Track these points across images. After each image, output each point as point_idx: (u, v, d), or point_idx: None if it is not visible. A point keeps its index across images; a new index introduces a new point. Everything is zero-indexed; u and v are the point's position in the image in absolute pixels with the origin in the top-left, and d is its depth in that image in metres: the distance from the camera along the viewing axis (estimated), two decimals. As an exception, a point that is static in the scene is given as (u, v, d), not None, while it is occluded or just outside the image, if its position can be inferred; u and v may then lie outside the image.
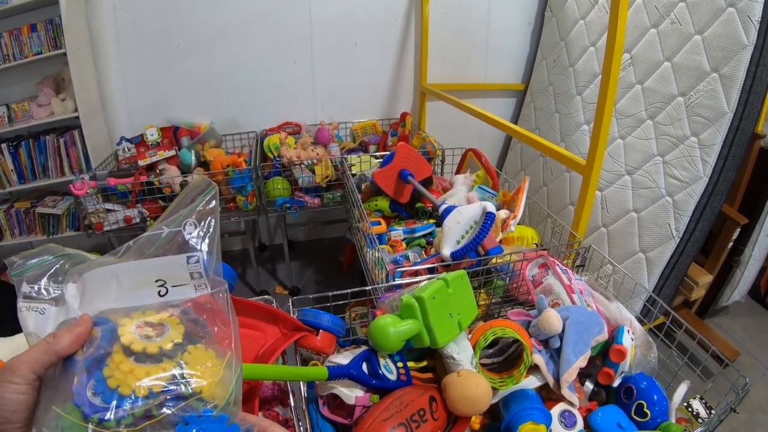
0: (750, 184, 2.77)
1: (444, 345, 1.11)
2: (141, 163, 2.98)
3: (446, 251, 1.49)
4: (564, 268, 1.43)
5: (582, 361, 1.16)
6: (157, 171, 2.93)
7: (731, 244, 2.80)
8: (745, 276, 2.98)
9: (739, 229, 2.74)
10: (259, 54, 3.30)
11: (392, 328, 1.05)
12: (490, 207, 1.47)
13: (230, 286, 1.02)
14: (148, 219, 2.81)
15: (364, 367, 1.08)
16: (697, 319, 2.98)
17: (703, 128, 2.32)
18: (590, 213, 1.84)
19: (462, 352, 1.13)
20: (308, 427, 1.06)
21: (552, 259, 1.42)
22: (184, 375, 0.61)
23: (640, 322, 1.35)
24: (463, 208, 1.56)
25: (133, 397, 0.56)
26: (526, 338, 1.14)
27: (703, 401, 1.29)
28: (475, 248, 1.45)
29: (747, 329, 3.13)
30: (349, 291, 1.34)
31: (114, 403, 0.55)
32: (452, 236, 1.52)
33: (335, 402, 1.08)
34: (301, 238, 4.05)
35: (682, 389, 1.24)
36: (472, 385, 1.04)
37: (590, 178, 1.76)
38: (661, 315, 1.41)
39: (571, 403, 1.17)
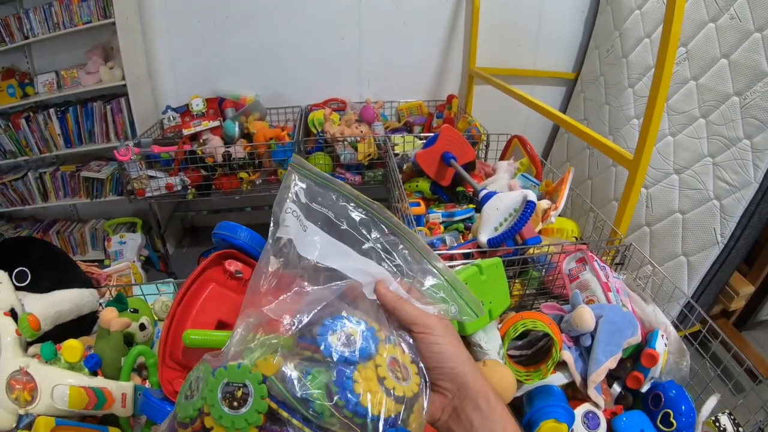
0: (802, 194, 2.67)
1: (473, 333, 1.10)
2: (185, 132, 3.02)
3: (483, 237, 1.47)
4: (602, 264, 1.40)
5: (612, 363, 1.14)
6: (201, 141, 2.97)
7: (777, 255, 2.71)
8: (789, 291, 2.88)
9: (787, 240, 2.66)
10: (306, 29, 3.30)
11: None
12: (531, 195, 1.44)
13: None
14: (190, 187, 2.84)
15: None
16: (734, 331, 2.89)
17: (757, 131, 2.24)
18: (634, 210, 1.79)
19: (490, 341, 1.12)
20: None
21: (591, 254, 1.39)
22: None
23: (676, 327, 1.32)
24: (504, 194, 1.54)
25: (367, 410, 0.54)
26: (556, 333, 1.12)
27: (732, 417, 1.26)
28: (512, 236, 1.43)
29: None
30: None
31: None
32: (490, 222, 1.50)
33: None
34: (338, 215, 4.04)
35: (711, 402, 1.20)
36: (497, 377, 1.03)
37: (636, 174, 1.71)
38: (698, 322, 1.37)
39: (596, 405, 1.16)
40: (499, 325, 1.18)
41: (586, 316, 1.15)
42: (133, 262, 2.93)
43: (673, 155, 2.59)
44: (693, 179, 2.47)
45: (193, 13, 3.16)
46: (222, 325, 0.93)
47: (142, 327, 1.11)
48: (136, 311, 1.13)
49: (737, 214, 2.29)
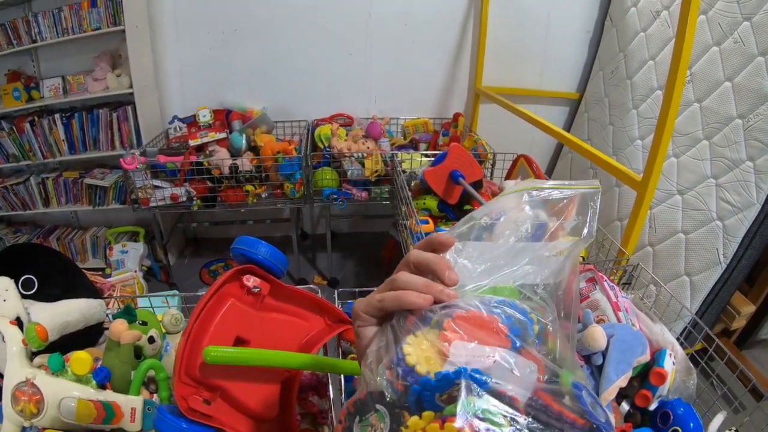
0: (803, 216, 2.69)
1: None
2: (192, 142, 3.05)
3: (493, 256, 1.49)
4: (611, 284, 1.42)
5: (623, 381, 1.15)
6: (207, 152, 2.99)
7: (778, 275, 2.73)
8: (789, 311, 2.91)
9: (787, 261, 2.68)
10: (315, 44, 3.34)
11: None
12: (542, 215, 1.46)
13: (280, 273, 1.03)
14: (195, 198, 2.86)
15: None
16: (734, 350, 2.92)
17: (760, 153, 2.27)
18: (641, 231, 1.82)
19: None
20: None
21: (600, 274, 1.42)
22: None
23: (681, 345, 1.34)
24: (513, 214, 1.56)
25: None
26: (569, 351, 1.14)
27: (737, 434, 1.27)
28: (523, 257, 1.45)
29: (784, 367, 3.06)
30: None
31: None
32: (500, 241, 1.52)
33: None
34: (344, 230, 4.09)
35: (718, 420, 1.22)
36: None
37: (645, 195, 1.74)
38: (702, 341, 1.39)
39: (608, 423, 1.17)
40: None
41: (598, 336, 1.17)
42: (135, 272, 2.93)
43: (677, 176, 2.62)
44: (696, 200, 2.50)
45: (202, 24, 3.19)
46: (239, 342, 0.92)
47: (152, 340, 1.09)
48: (145, 324, 1.10)
49: (740, 234, 2.32)
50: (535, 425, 0.42)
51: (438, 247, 0.58)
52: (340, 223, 4.02)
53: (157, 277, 3.42)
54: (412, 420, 0.45)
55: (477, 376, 0.44)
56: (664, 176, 2.65)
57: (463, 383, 0.43)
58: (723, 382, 1.31)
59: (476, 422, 0.41)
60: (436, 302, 0.51)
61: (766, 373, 2.85)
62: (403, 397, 0.47)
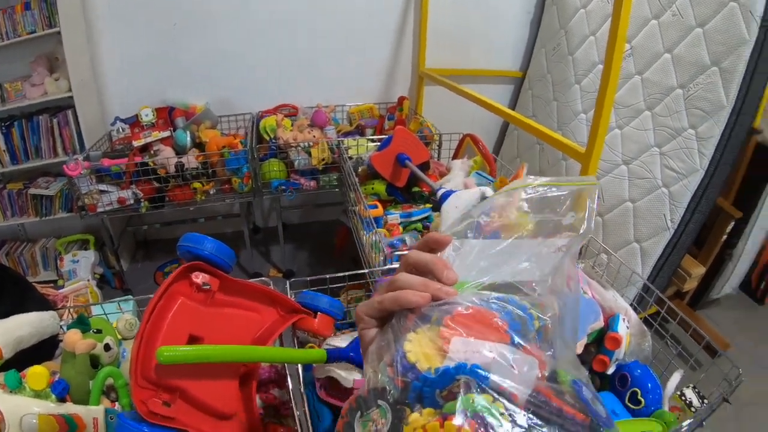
0: (745, 179, 2.78)
1: None
2: (135, 143, 2.96)
3: (445, 235, 1.48)
4: (561, 255, 1.42)
5: (578, 348, 1.16)
6: (152, 152, 2.91)
7: (725, 237, 2.81)
8: (737, 269, 3.00)
9: (733, 223, 2.76)
10: (256, 35, 3.27)
11: None
12: (489, 192, 1.46)
13: (228, 267, 1.00)
14: (143, 200, 2.79)
15: None
16: (688, 310, 3.00)
17: (701, 121, 2.32)
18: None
19: None
20: (305, 411, 1.05)
21: (549, 246, 1.42)
22: None
23: (634, 310, 1.35)
24: (462, 192, 1.56)
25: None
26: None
27: (696, 390, 1.29)
28: (473, 232, 1.44)
29: (738, 322, 3.15)
30: (346, 274, 1.33)
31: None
32: (451, 220, 1.51)
33: (332, 385, 1.07)
34: (295, 221, 4.05)
35: (675, 378, 1.24)
36: None
37: (589, 167, 1.75)
38: (655, 304, 1.41)
39: (565, 390, 1.17)
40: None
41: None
42: (88, 280, 2.85)
43: (621, 147, 2.66)
44: (641, 169, 2.54)
45: (139, 21, 3.09)
46: (193, 340, 0.89)
47: (107, 347, 1.06)
48: (99, 332, 1.08)
49: (685, 200, 2.36)
50: (534, 421, 0.42)
51: (435, 246, 0.58)
52: (291, 214, 3.98)
53: (111, 284, 3.33)
54: (413, 417, 0.44)
55: (477, 371, 0.44)
56: (609, 148, 2.69)
57: (463, 380, 0.43)
58: (678, 342, 1.33)
59: (476, 420, 0.41)
60: (434, 300, 0.51)
61: (720, 330, 2.93)
62: (404, 394, 0.47)
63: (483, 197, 1.47)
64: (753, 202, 2.79)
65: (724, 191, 2.67)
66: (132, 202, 2.78)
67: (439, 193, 1.62)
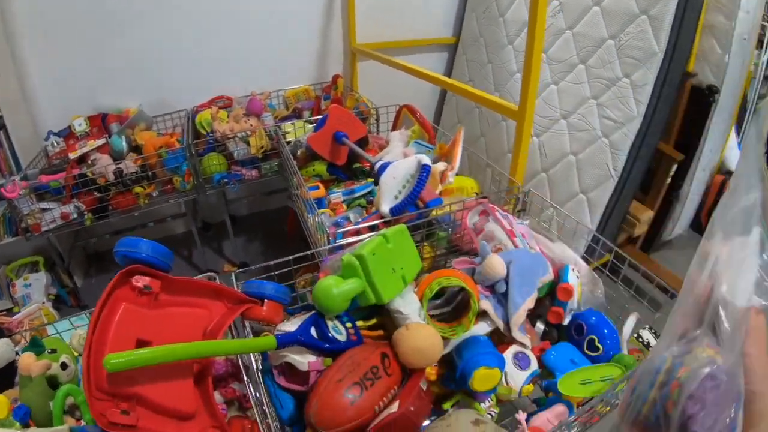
0: (684, 122, 2.82)
1: (390, 300, 1.11)
2: (71, 155, 2.86)
3: (385, 207, 1.46)
4: (504, 213, 1.42)
5: (530, 303, 1.16)
6: (89, 162, 2.82)
7: (669, 180, 2.86)
8: (686, 210, 3.05)
9: (675, 166, 2.80)
10: (181, 29, 3.17)
11: (335, 288, 1.05)
12: (425, 159, 1.44)
13: (167, 266, 1.02)
14: (86, 212, 2.70)
15: (313, 331, 1.07)
16: (641, 254, 3.05)
17: (634, 69, 2.33)
18: (527, 158, 1.83)
19: (409, 305, 1.13)
20: (266, 400, 1.05)
21: (491, 205, 1.41)
22: None
23: (586, 261, 1.36)
24: (399, 162, 1.54)
25: None
26: (471, 285, 1.13)
27: (653, 331, 1.32)
28: (413, 202, 1.43)
29: (691, 261, 3.20)
30: (290, 258, 1.33)
31: None
32: (390, 192, 1.49)
33: (290, 370, 1.08)
34: (244, 213, 3.98)
35: (631, 321, 1.26)
36: (421, 337, 1.04)
37: (524, 123, 1.75)
38: (606, 253, 1.41)
39: (523, 345, 1.18)
40: (416, 289, 1.18)
41: (496, 264, 1.16)
42: (43, 303, 2.77)
43: (559, 102, 2.67)
44: (580, 121, 2.56)
45: (62, 30, 2.94)
46: (142, 344, 0.90)
47: (64, 366, 1.08)
48: (54, 351, 1.10)
49: (626, 147, 2.39)
50: None
51: None
52: (239, 206, 3.90)
53: (67, 303, 3.22)
54: None
55: None
56: (547, 104, 2.70)
57: None
58: (631, 286, 1.34)
59: None
60: None
61: (675, 270, 3.00)
62: None
63: (419, 165, 1.45)
64: (693, 144, 2.83)
65: (664, 136, 2.71)
66: (75, 216, 2.68)
67: (377, 166, 1.60)
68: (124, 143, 2.81)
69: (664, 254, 3.25)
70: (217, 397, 1.11)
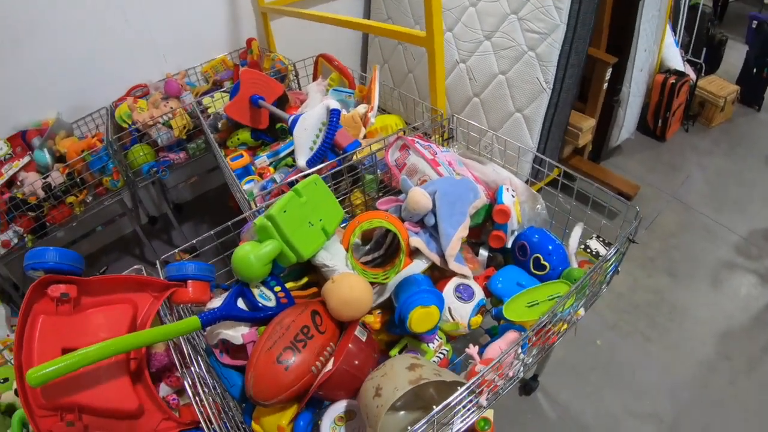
0: (612, 24, 2.76)
1: (312, 255, 1.06)
2: (-1, 181, 2.73)
3: (301, 161, 1.40)
4: (426, 144, 1.35)
5: (462, 231, 1.10)
6: (18, 183, 2.69)
7: (606, 85, 2.81)
8: (629, 113, 3.02)
9: (610, 69, 2.75)
10: (84, 24, 2.97)
11: (252, 255, 1.01)
12: (333, 103, 1.37)
13: (78, 270, 0.99)
14: (25, 235, 2.59)
15: (241, 303, 1.05)
16: (591, 164, 3.01)
17: (550, -23, 2.27)
18: (444, 84, 1.75)
19: (335, 257, 1.08)
20: (214, 381, 1.04)
21: (410, 138, 1.34)
22: None
23: (537, 177, 1.31)
24: (307, 113, 1.46)
25: None
26: (397, 224, 1.07)
27: (600, 239, 1.28)
28: (329, 149, 1.36)
29: (644, 163, 3.23)
30: (212, 232, 1.29)
31: None
32: (304, 144, 1.43)
33: (232, 347, 1.06)
34: (188, 198, 3.86)
35: (576, 233, 1.23)
36: (346, 289, 0.99)
37: (434, 49, 1.66)
38: (556, 166, 1.35)
39: (464, 276, 1.12)
40: (341, 238, 1.12)
41: (418, 197, 1.10)
42: (8, 335, 2.68)
43: (480, 23, 2.58)
44: (504, 39, 2.48)
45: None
46: (68, 352, 0.87)
47: (18, 393, 1.06)
48: (6, 380, 1.13)
49: (554, 58, 2.33)
50: None
51: None
52: (181, 192, 3.78)
53: (32, 331, 3.13)
54: None
55: None
56: (467, 27, 2.62)
57: None
58: (587, 201, 1.28)
59: None
60: None
61: (628, 174, 2.99)
62: None
63: (328, 110, 1.37)
64: (626, 45, 2.78)
65: (594, 41, 2.63)
66: (16, 241, 2.58)
67: (290, 122, 1.52)
68: (47, 155, 2.70)
69: (615, 161, 3.24)
70: (166, 388, 1.10)
